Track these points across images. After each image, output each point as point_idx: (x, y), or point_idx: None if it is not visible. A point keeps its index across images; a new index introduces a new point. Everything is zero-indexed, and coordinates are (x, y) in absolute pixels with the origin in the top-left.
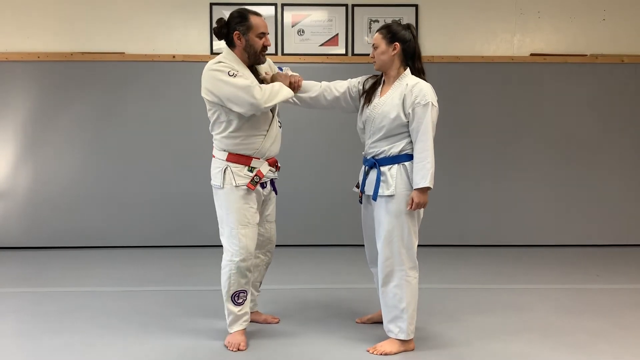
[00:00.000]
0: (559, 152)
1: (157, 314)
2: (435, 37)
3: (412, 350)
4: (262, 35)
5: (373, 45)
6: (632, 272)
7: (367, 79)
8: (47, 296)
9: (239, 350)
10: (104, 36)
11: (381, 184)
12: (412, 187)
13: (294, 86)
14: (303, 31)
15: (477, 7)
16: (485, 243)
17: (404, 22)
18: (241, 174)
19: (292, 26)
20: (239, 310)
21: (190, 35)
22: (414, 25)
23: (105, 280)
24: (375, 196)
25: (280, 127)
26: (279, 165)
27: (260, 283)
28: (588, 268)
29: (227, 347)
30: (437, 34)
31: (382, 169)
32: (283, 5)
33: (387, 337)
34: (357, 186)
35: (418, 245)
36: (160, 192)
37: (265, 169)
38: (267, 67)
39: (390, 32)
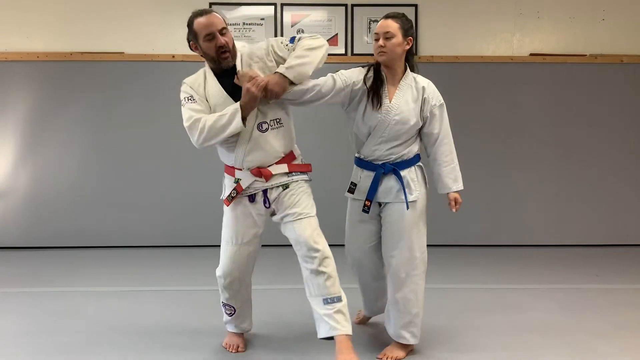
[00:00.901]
0: (558, 152)
1: (156, 314)
2: (434, 37)
3: (412, 350)
4: (210, 37)
5: (385, 33)
6: (631, 272)
7: (365, 76)
8: (47, 296)
9: (237, 351)
10: (104, 36)
11: (406, 190)
12: (427, 188)
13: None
14: (302, 31)
15: (476, 7)
16: (484, 243)
17: None
18: (229, 185)
19: (292, 26)
20: (230, 320)
21: None
22: (414, 24)
23: (104, 280)
24: (407, 205)
25: (264, 130)
26: (271, 172)
27: (326, 300)
28: (587, 268)
29: (226, 349)
30: (437, 33)
31: (402, 173)
32: (282, 5)
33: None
34: (350, 191)
35: None
36: (160, 192)
37: (246, 181)
38: (265, 51)
39: (407, 25)
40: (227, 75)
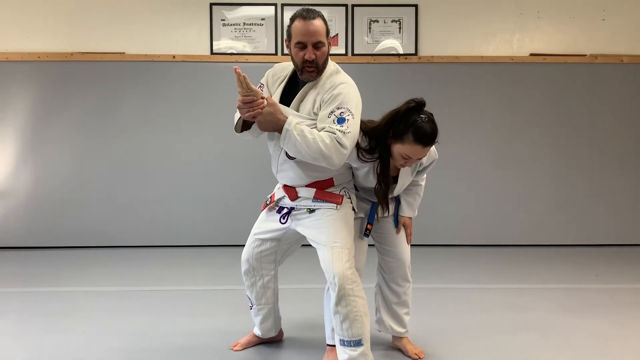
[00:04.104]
0: (558, 152)
1: (157, 314)
2: (434, 37)
3: None
4: (301, 46)
5: (419, 159)
6: (630, 272)
7: (368, 147)
8: (47, 296)
9: (234, 348)
10: (104, 36)
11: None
12: None
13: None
14: None
15: (476, 7)
16: (484, 243)
17: (404, 22)
18: (275, 189)
19: None
20: (252, 315)
21: (190, 36)
22: (414, 25)
23: (105, 280)
24: (397, 222)
25: (292, 158)
26: (297, 194)
27: (342, 342)
28: (587, 268)
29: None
30: (437, 33)
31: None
32: (283, 5)
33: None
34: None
35: (418, 245)
36: (160, 191)
37: (278, 194)
38: (328, 98)
39: None
40: (298, 84)
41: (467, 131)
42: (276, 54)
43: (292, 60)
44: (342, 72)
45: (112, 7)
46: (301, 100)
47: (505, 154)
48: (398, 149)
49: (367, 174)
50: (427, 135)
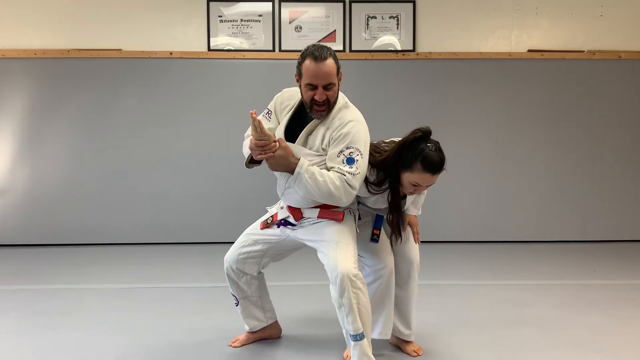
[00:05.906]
0: (556, 148)
1: (155, 311)
2: (432, 33)
3: None
4: (311, 87)
5: (428, 186)
6: (629, 268)
7: (377, 180)
8: (45, 293)
9: (232, 345)
10: (101, 32)
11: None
12: None
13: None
14: (300, 27)
15: (474, 3)
16: (483, 239)
17: (402, 18)
18: (275, 207)
19: (290, 22)
20: (238, 311)
21: (188, 32)
22: (412, 21)
23: (103, 278)
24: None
25: None
26: (302, 215)
27: (348, 335)
28: (585, 264)
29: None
30: (435, 30)
31: None
32: (280, 1)
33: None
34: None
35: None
36: (158, 188)
37: (282, 214)
38: (337, 137)
39: None
40: (306, 114)
41: (465, 128)
42: (273, 50)
43: (302, 96)
44: (351, 105)
45: (109, 4)
46: (309, 134)
47: (503, 150)
48: (407, 177)
49: (376, 201)
50: (435, 163)
